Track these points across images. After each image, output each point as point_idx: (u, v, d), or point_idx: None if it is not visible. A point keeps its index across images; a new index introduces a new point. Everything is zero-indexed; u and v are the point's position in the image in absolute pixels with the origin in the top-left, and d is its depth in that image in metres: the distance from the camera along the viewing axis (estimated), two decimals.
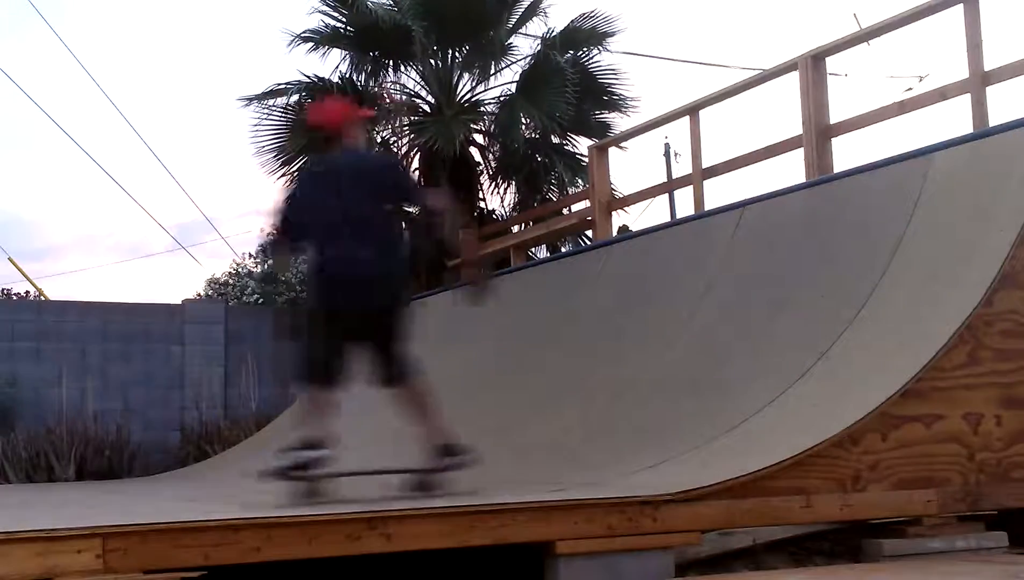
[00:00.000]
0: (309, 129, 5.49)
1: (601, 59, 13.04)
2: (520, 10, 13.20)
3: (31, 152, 43.62)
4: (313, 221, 5.05)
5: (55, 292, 21.65)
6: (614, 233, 10.25)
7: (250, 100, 13.07)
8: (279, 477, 4.72)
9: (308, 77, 13.04)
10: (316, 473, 4.70)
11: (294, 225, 5.16)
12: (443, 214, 5.31)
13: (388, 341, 5.10)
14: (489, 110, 13.37)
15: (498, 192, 13.75)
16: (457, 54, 13.28)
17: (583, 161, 12.47)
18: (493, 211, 13.75)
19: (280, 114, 13.14)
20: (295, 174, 13.04)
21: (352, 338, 4.98)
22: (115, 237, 42.80)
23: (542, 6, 13.16)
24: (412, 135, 13.13)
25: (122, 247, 41.92)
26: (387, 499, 4.47)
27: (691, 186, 9.02)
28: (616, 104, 13.17)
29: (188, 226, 46.73)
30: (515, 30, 13.21)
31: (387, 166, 5.99)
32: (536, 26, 13.28)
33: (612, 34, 12.96)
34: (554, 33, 13.02)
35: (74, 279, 39.94)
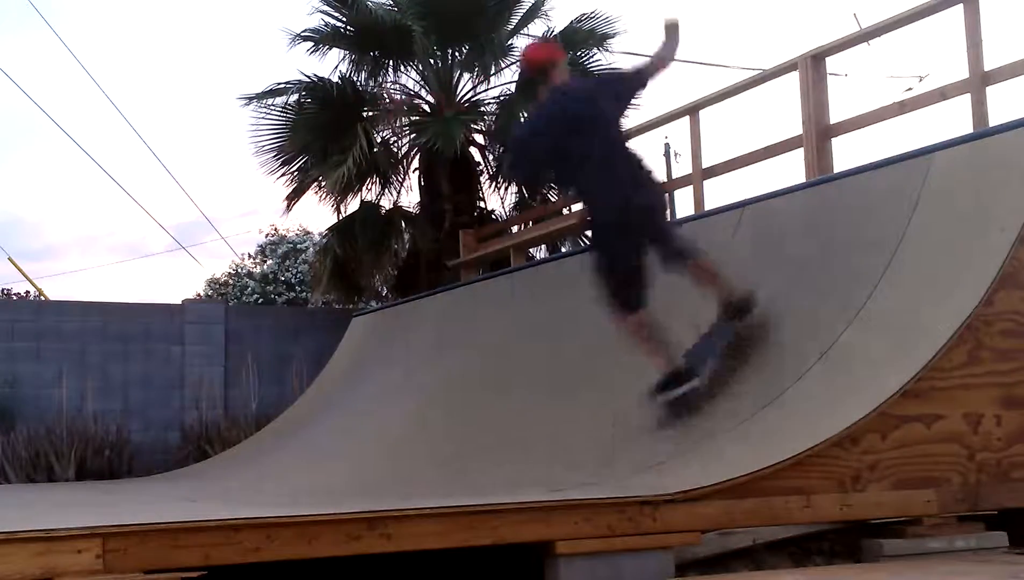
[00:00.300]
0: (531, 69, 5.86)
1: (601, 59, 13.05)
2: (521, 11, 13.21)
3: (32, 152, 43.64)
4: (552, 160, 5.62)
5: (55, 292, 21.69)
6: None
7: (250, 99, 13.07)
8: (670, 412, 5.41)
9: (308, 77, 13.05)
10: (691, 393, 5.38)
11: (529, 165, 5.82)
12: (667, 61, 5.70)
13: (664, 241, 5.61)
14: (489, 110, 13.38)
15: (498, 192, 13.76)
16: (457, 54, 13.28)
17: None
18: (493, 211, 13.77)
19: (280, 113, 13.14)
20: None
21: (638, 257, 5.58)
22: (115, 237, 42.83)
23: (543, 8, 13.17)
24: (412, 135, 13.14)
25: (122, 247, 41.95)
26: (389, 499, 4.47)
27: (691, 186, 9.03)
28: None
29: (188, 226, 46.79)
30: (516, 31, 13.21)
31: (603, 83, 6.25)
32: (536, 27, 13.30)
33: (612, 35, 12.97)
34: (554, 33, 13.02)
35: (74, 279, 39.99)
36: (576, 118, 5.53)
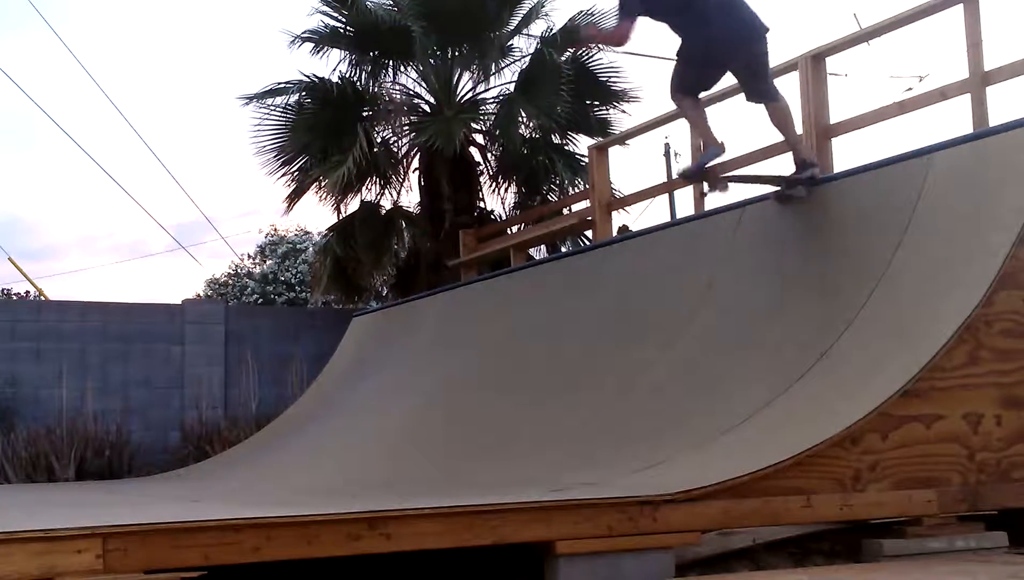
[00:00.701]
0: None
1: (601, 57, 13.05)
2: (521, 10, 13.21)
3: (32, 152, 43.65)
4: None
5: (55, 292, 21.70)
6: (614, 233, 10.25)
7: (250, 100, 13.07)
8: (694, 177, 6.67)
9: (308, 77, 13.05)
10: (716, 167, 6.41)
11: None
12: None
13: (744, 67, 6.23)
14: (489, 110, 13.38)
15: (498, 192, 13.76)
16: (457, 54, 13.28)
17: (583, 161, 12.47)
18: (493, 211, 13.76)
19: (280, 114, 13.14)
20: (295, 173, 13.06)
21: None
22: (115, 237, 42.85)
23: (543, 11, 13.17)
24: (412, 135, 13.14)
25: (122, 247, 41.96)
26: (388, 499, 4.47)
27: (691, 186, 9.02)
28: (617, 96, 13.16)
29: (188, 226, 46.77)
30: (516, 32, 13.21)
31: None
32: (536, 26, 13.29)
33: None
34: (553, 31, 13.03)
35: (74, 279, 40.01)
36: None
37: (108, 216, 44.15)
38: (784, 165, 6.90)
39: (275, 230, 20.60)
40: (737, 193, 6.80)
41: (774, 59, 6.42)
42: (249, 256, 20.75)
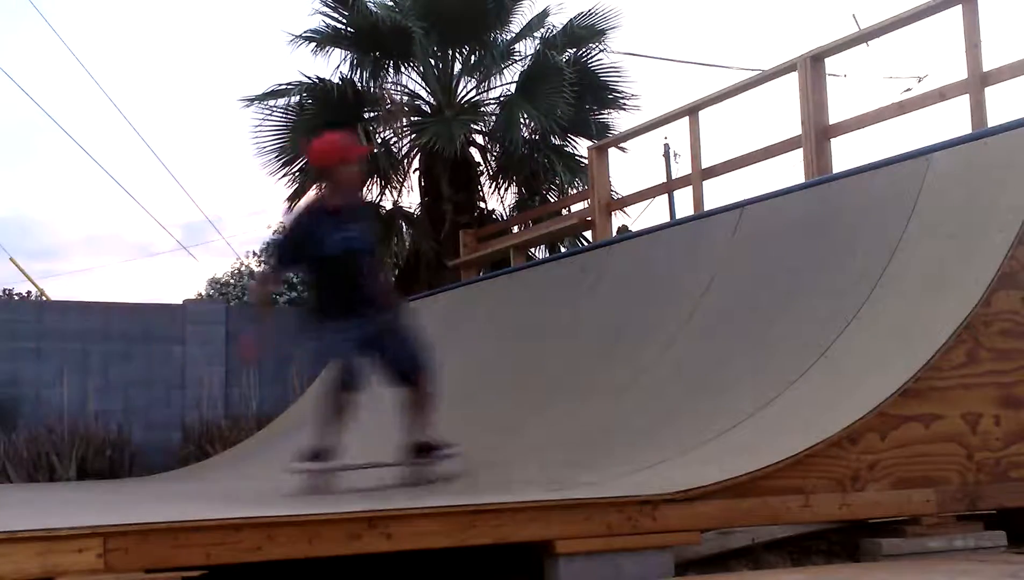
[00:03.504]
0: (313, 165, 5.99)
1: (601, 57, 13.07)
2: (521, 12, 13.23)
3: (39, 153, 43.72)
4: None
5: (61, 291, 21.71)
6: (614, 233, 10.27)
7: (251, 101, 13.10)
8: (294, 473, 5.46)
9: (309, 78, 13.07)
10: (321, 469, 5.41)
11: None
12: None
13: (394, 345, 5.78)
14: (489, 110, 13.39)
15: (498, 192, 13.79)
16: (457, 55, 13.29)
17: (583, 162, 12.49)
18: (493, 211, 13.78)
19: (281, 114, 13.17)
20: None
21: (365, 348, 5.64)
22: (121, 237, 42.89)
23: (547, 19, 13.19)
24: (412, 136, 13.15)
25: (128, 247, 42.01)
26: (386, 496, 4.48)
27: (691, 186, 9.04)
28: (616, 101, 13.18)
29: (194, 226, 46.82)
30: (517, 34, 13.22)
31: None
32: (536, 27, 13.30)
33: (611, 30, 12.98)
34: (553, 32, 13.04)
35: (80, 279, 40.03)
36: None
37: (115, 216, 44.22)
38: (783, 165, 6.90)
39: (283, 228, 20.57)
40: (737, 193, 6.81)
41: (773, 61, 6.46)
42: (254, 253, 20.74)
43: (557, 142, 13.26)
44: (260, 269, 5.81)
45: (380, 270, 5.91)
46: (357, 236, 5.65)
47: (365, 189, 13.38)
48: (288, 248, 5.89)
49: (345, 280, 5.61)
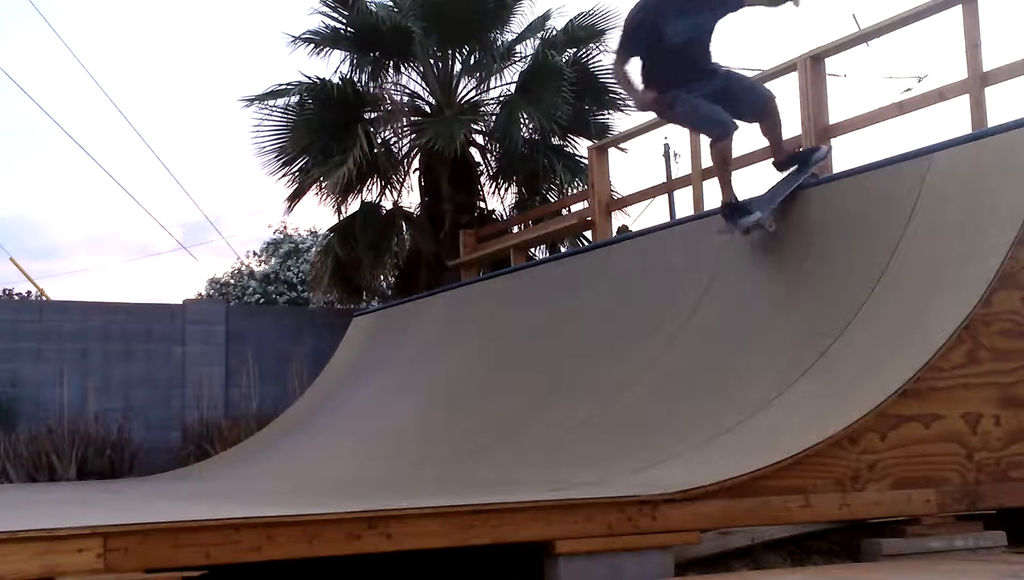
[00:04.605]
0: None
1: (601, 58, 13.07)
2: (521, 12, 13.23)
3: (39, 152, 43.72)
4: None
5: (62, 291, 21.73)
6: (614, 233, 10.26)
7: (251, 101, 13.09)
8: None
9: (309, 78, 13.06)
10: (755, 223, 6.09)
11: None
12: None
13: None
14: (489, 110, 13.39)
15: (498, 192, 13.78)
16: (457, 55, 13.29)
17: (583, 162, 12.49)
18: (493, 211, 13.78)
19: (281, 114, 13.16)
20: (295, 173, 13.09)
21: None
22: (121, 236, 42.90)
23: (548, 23, 13.19)
24: (412, 136, 13.15)
25: (128, 247, 42.02)
26: (389, 494, 4.48)
27: (690, 186, 9.04)
28: (616, 103, 13.19)
29: (194, 226, 46.81)
30: (519, 39, 13.23)
31: None
32: (537, 27, 13.30)
33: (611, 30, 12.98)
34: (553, 33, 13.04)
35: (80, 279, 40.05)
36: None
37: (115, 216, 44.23)
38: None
39: (284, 228, 20.53)
40: (737, 193, 6.80)
41: (774, 60, 6.59)
42: (254, 253, 20.72)
43: (557, 142, 13.25)
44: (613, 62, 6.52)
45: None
46: (706, 19, 6.12)
47: (364, 189, 13.40)
48: (637, 36, 6.23)
49: (687, 63, 6.11)
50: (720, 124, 6.18)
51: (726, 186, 6.30)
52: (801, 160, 6.38)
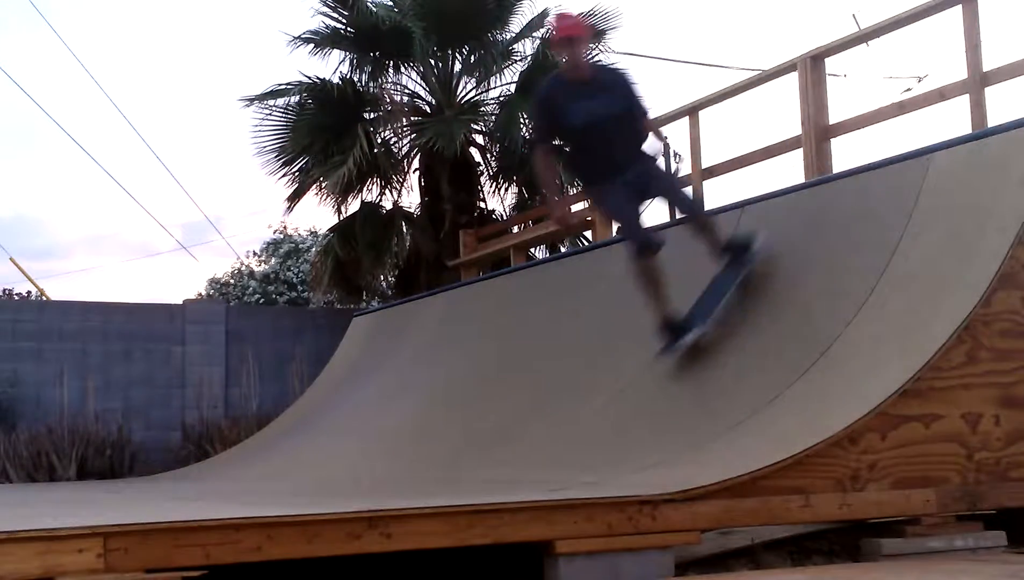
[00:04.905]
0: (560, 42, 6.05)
1: (602, 58, 13.06)
2: (521, 12, 13.23)
3: (38, 152, 43.73)
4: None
5: (62, 291, 21.74)
6: (614, 233, 10.26)
7: (251, 101, 13.09)
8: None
9: (309, 78, 13.07)
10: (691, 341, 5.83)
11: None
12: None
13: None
14: (489, 110, 13.39)
15: (498, 192, 13.79)
16: (457, 55, 13.29)
17: None
18: (493, 211, 13.78)
19: (281, 114, 13.16)
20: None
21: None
22: (121, 236, 42.91)
23: (547, 20, 13.17)
24: (412, 136, 13.15)
25: (128, 247, 42.03)
26: (388, 498, 4.48)
27: (691, 186, 9.04)
28: None
29: (194, 226, 46.79)
30: (519, 38, 13.22)
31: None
32: (536, 27, 13.30)
33: (611, 30, 12.98)
34: (554, 32, 13.02)
35: (80, 279, 40.06)
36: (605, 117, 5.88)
37: (115, 215, 44.24)
38: (783, 165, 6.91)
39: (284, 228, 20.53)
40: (737, 193, 6.81)
41: (773, 60, 6.52)
42: (254, 253, 20.73)
43: (557, 142, 13.25)
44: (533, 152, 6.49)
45: (643, 125, 6.05)
46: (603, 104, 5.81)
47: (364, 189, 13.39)
48: (540, 123, 6.27)
49: (599, 147, 5.85)
50: (641, 240, 5.86)
51: (657, 304, 5.93)
52: (734, 254, 6.03)
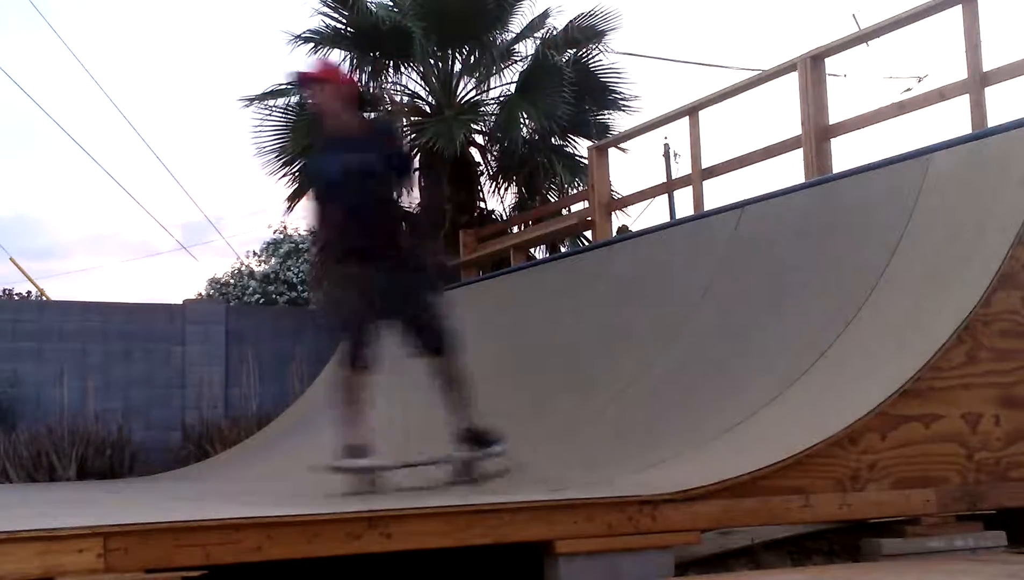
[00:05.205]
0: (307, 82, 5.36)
1: (601, 58, 13.07)
2: (521, 12, 13.24)
3: (38, 152, 43.73)
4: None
5: (62, 291, 21.72)
6: (614, 233, 10.27)
7: (251, 100, 13.10)
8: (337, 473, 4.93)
9: None
10: (363, 468, 4.92)
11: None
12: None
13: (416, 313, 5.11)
14: (489, 110, 13.39)
15: (498, 192, 13.79)
16: (457, 55, 13.29)
17: (583, 162, 12.49)
18: (493, 211, 13.79)
19: (281, 114, 13.16)
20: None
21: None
22: (121, 236, 42.93)
23: (547, 20, 13.18)
24: (412, 136, 13.16)
25: (128, 246, 42.03)
26: (391, 497, 4.48)
27: (690, 186, 9.04)
28: (616, 102, 13.19)
29: (194, 226, 46.81)
30: (519, 39, 13.22)
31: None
32: (537, 27, 13.31)
33: (611, 31, 12.98)
34: (553, 33, 13.04)
35: (80, 279, 40.08)
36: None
37: (115, 215, 44.24)
38: (783, 165, 6.91)
39: (284, 228, 20.49)
40: (737, 193, 6.81)
41: (773, 60, 6.44)
42: (254, 253, 20.69)
43: (557, 142, 13.26)
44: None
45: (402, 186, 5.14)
46: (361, 158, 4.95)
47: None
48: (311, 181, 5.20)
49: (352, 213, 4.90)
50: (345, 350, 4.95)
51: (347, 426, 4.98)
52: (475, 441, 5.20)
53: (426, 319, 5.12)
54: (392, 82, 13.48)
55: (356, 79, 5.09)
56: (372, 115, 5.08)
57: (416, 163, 13.45)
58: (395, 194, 5.17)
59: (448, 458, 5.25)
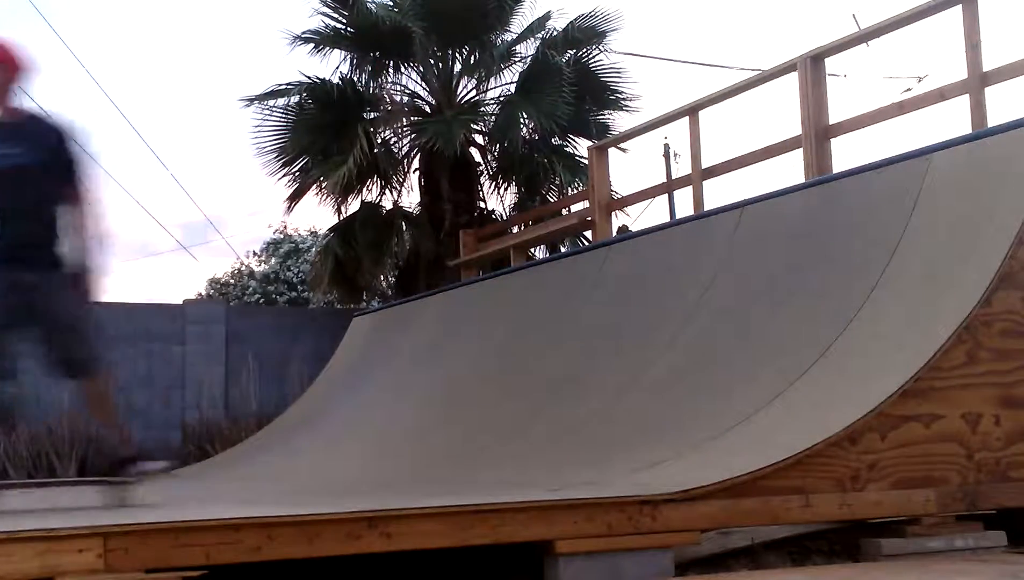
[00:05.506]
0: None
1: (601, 58, 13.08)
2: (521, 12, 13.25)
3: None
4: None
5: None
6: (614, 233, 10.27)
7: (251, 101, 13.11)
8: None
9: (309, 78, 13.07)
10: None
11: None
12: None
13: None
14: (489, 110, 13.40)
15: (498, 192, 13.81)
16: (457, 55, 13.30)
17: (583, 162, 12.50)
18: (493, 211, 13.80)
19: (281, 114, 13.18)
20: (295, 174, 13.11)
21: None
22: (121, 236, 42.92)
23: (548, 23, 13.19)
24: (412, 136, 13.17)
25: (128, 246, 42.04)
26: (385, 497, 4.48)
27: (690, 186, 9.05)
28: (616, 102, 13.20)
29: (194, 226, 46.81)
30: (520, 39, 13.23)
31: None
32: (537, 27, 13.31)
33: (611, 32, 12.99)
34: (554, 33, 13.05)
35: None
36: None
37: (115, 215, 44.16)
38: (783, 165, 6.91)
39: (284, 228, 20.52)
40: (737, 193, 6.81)
41: (773, 60, 6.44)
42: (255, 253, 20.73)
43: (557, 142, 13.27)
44: None
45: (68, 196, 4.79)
46: (15, 153, 4.68)
47: (364, 189, 13.37)
48: None
49: (10, 219, 4.65)
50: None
51: None
52: (119, 466, 5.03)
53: (65, 335, 4.95)
54: (392, 82, 13.49)
55: (29, 62, 4.44)
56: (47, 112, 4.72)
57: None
58: (54, 197, 4.84)
59: (98, 480, 5.09)
